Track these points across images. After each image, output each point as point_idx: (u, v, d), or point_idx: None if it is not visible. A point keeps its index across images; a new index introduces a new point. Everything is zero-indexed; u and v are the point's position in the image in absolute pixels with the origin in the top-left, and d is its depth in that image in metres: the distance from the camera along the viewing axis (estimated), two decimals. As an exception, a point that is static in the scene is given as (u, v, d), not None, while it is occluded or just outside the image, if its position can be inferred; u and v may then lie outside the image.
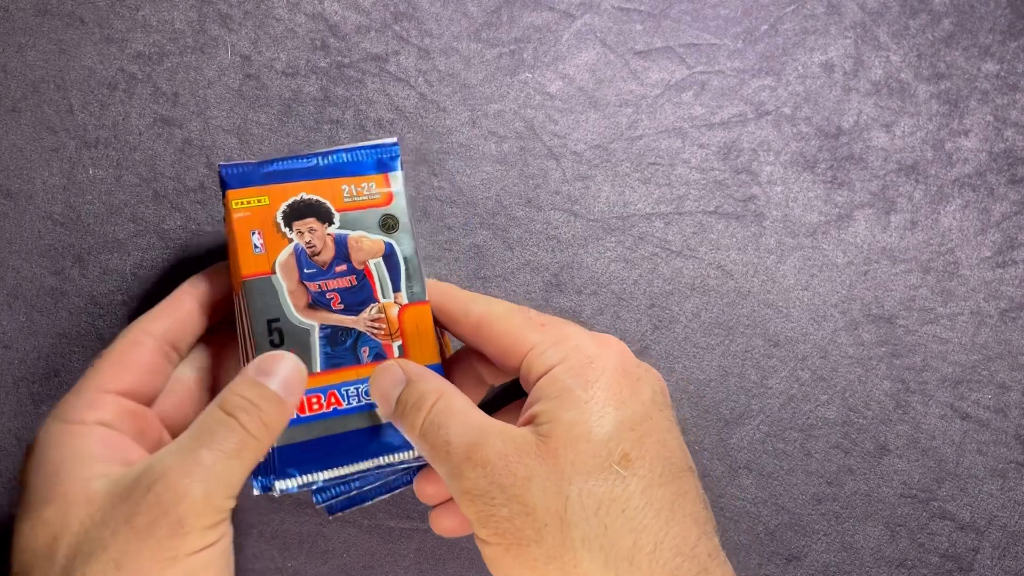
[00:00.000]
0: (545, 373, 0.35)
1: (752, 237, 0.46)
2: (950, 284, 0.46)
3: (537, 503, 0.32)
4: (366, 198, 0.38)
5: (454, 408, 0.34)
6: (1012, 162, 0.46)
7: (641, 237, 0.46)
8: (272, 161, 0.38)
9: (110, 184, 0.46)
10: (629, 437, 0.33)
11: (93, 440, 0.35)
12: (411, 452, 0.37)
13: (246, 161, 0.38)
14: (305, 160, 0.38)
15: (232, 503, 0.34)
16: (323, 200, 0.38)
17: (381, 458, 0.37)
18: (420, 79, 0.46)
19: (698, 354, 0.46)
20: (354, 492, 0.39)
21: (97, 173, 0.46)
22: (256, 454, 0.34)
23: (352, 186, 0.38)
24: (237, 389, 0.35)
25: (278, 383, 0.35)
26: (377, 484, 0.39)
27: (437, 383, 0.36)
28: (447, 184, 0.46)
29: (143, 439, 0.37)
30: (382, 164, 0.39)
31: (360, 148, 0.39)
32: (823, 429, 0.45)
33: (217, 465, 0.33)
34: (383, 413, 0.37)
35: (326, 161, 0.38)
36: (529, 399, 0.35)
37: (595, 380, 0.34)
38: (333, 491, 0.38)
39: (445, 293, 0.39)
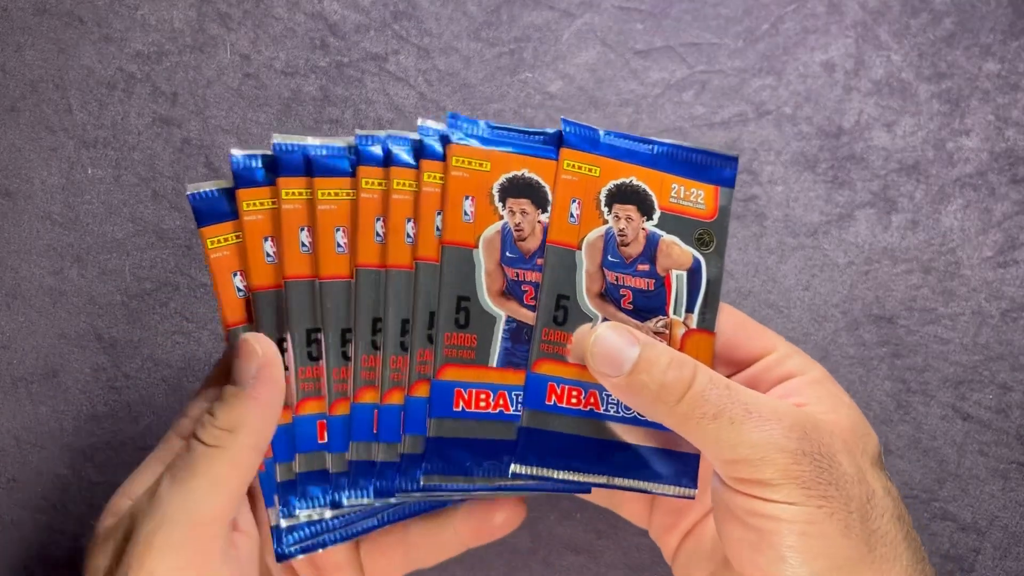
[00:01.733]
0: (799, 375, 0.34)
1: (753, 237, 0.46)
2: (951, 284, 0.45)
3: (854, 478, 0.30)
4: (691, 205, 0.36)
5: (720, 376, 0.31)
6: (1013, 162, 0.46)
7: (641, 237, 0.46)
8: (612, 133, 0.36)
9: (109, 184, 0.46)
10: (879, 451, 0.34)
11: None
12: (680, 489, 0.35)
13: (586, 124, 0.36)
14: (644, 144, 0.36)
15: (207, 534, 0.30)
16: (650, 192, 0.35)
17: (642, 483, 0.34)
18: (420, 78, 0.46)
19: (698, 354, 0.46)
20: (328, 532, 0.35)
21: (96, 173, 0.46)
22: (223, 467, 0.30)
23: (682, 187, 0.36)
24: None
25: (234, 374, 0.31)
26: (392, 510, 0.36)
27: (672, 350, 0.32)
28: (447, 184, 0.46)
29: None
30: (717, 175, 0.36)
31: (699, 151, 0.36)
32: (824, 429, 0.45)
33: (169, 495, 0.30)
34: (609, 377, 0.32)
35: (662, 150, 0.36)
36: (785, 391, 0.34)
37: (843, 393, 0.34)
38: (306, 531, 0.34)
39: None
